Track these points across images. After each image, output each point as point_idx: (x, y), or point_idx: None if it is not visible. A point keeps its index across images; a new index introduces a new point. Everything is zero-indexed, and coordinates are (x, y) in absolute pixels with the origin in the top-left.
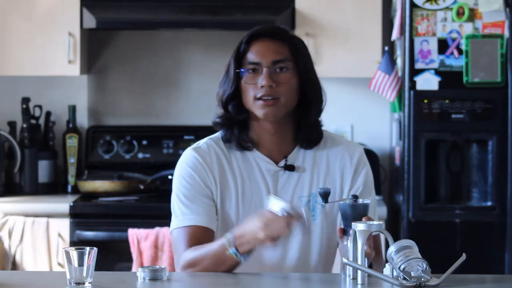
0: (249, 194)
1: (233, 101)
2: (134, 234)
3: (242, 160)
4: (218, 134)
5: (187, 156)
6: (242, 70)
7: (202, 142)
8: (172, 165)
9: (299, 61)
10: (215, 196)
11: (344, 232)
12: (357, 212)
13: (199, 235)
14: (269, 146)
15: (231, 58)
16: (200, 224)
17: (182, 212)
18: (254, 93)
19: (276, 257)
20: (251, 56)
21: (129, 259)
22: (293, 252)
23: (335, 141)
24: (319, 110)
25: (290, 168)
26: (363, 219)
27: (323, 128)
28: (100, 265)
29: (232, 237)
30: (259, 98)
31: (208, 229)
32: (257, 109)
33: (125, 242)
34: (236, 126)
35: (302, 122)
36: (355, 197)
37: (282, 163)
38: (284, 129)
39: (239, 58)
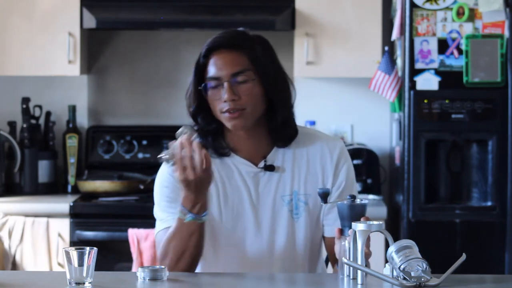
0: (231, 198)
1: (201, 113)
2: (134, 234)
3: (221, 166)
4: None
5: (162, 173)
6: (203, 85)
7: None
8: None
9: (259, 68)
10: None
11: (342, 232)
12: (354, 212)
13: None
14: (247, 149)
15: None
16: (171, 224)
17: (165, 215)
18: (219, 107)
19: (263, 255)
20: (211, 70)
21: (129, 259)
22: (279, 249)
23: (314, 137)
24: (287, 109)
25: (270, 168)
26: (362, 219)
27: (299, 124)
28: (100, 265)
29: (181, 207)
30: (225, 111)
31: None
32: (225, 121)
33: (125, 242)
34: (210, 134)
35: (273, 123)
36: (353, 197)
37: (261, 164)
38: (258, 132)
39: (200, 72)
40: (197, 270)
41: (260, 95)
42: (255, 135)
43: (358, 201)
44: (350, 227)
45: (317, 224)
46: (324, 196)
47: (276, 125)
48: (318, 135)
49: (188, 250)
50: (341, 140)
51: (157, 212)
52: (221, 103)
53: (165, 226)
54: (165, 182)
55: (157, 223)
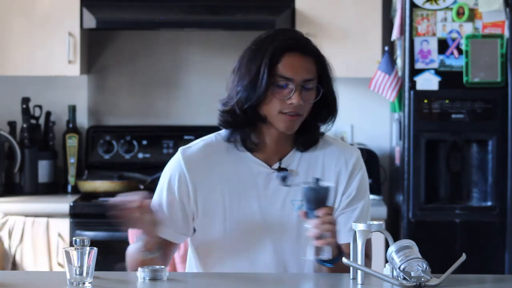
0: (237, 196)
1: (254, 107)
2: (134, 234)
3: (233, 163)
4: (211, 137)
5: (175, 160)
6: (275, 84)
7: (195, 143)
8: None
9: (323, 77)
10: (194, 203)
11: (306, 214)
12: (318, 194)
13: (161, 245)
14: (268, 149)
15: (254, 61)
16: (161, 236)
17: None
18: (280, 107)
19: (269, 258)
20: (283, 70)
21: None
22: (286, 254)
23: (332, 144)
24: (333, 121)
25: (282, 170)
26: (323, 209)
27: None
28: (100, 265)
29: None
30: (286, 113)
31: (166, 241)
32: (279, 122)
33: (125, 242)
34: (247, 126)
35: (309, 128)
36: (317, 180)
37: (276, 165)
38: (287, 134)
39: (271, 68)
40: (202, 270)
41: (313, 103)
42: (284, 136)
43: (321, 184)
44: (313, 210)
45: None
46: (283, 179)
47: (306, 130)
48: (336, 143)
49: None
50: (358, 149)
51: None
52: (283, 104)
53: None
54: (168, 180)
55: None
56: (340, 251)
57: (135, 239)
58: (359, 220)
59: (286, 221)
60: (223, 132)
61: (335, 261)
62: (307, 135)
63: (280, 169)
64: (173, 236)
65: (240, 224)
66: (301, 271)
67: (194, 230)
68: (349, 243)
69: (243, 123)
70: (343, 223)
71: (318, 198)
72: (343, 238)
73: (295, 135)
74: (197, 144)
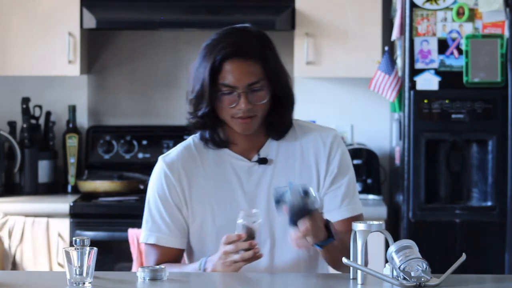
0: (223, 193)
1: (208, 113)
2: (134, 234)
3: (214, 161)
4: (189, 140)
5: (158, 168)
6: (219, 92)
7: (173, 149)
8: None
9: (271, 75)
10: (185, 206)
11: (289, 221)
12: (304, 208)
13: (166, 254)
14: (242, 143)
15: (200, 69)
16: (166, 245)
17: (150, 227)
18: (231, 112)
19: (263, 259)
20: (224, 79)
21: (129, 259)
22: (276, 242)
23: (307, 129)
24: (292, 106)
25: (263, 161)
26: (306, 223)
27: (295, 118)
28: (100, 265)
29: (203, 267)
30: (238, 117)
31: (174, 249)
32: (235, 126)
33: (125, 242)
34: (209, 128)
35: (274, 120)
36: (305, 192)
37: (255, 157)
38: (257, 128)
39: (214, 75)
40: None
41: (269, 100)
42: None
43: (309, 199)
44: (296, 220)
45: None
46: (277, 200)
47: (274, 120)
48: (311, 127)
49: None
50: (335, 129)
51: (146, 216)
52: (233, 109)
53: (147, 241)
54: (156, 189)
55: (142, 228)
56: (329, 234)
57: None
58: (346, 195)
59: (273, 209)
60: (188, 140)
61: (325, 244)
62: (276, 124)
63: (260, 160)
64: (182, 243)
65: (229, 220)
66: (294, 260)
67: None
68: (339, 220)
69: (203, 125)
70: (330, 202)
71: (302, 211)
72: (333, 217)
73: (265, 125)
74: (176, 149)
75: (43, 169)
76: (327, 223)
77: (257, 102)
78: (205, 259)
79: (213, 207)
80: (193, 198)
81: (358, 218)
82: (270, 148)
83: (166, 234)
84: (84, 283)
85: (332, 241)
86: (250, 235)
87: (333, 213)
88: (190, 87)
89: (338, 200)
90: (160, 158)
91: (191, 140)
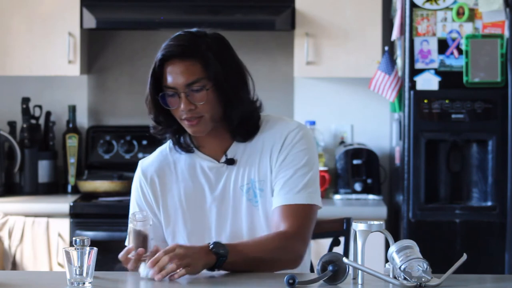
0: (193, 196)
1: (162, 116)
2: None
3: (186, 164)
4: (166, 144)
5: (136, 174)
6: (161, 95)
7: (151, 154)
8: None
9: (211, 74)
10: (158, 210)
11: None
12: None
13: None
14: (209, 146)
15: (149, 77)
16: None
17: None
18: (178, 114)
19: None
20: (165, 80)
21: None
22: (243, 239)
23: (273, 123)
24: (244, 106)
25: (230, 162)
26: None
27: (267, 114)
28: (100, 265)
29: None
30: (184, 119)
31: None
32: (186, 127)
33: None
34: (174, 133)
35: (230, 121)
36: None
37: (223, 159)
38: (218, 129)
39: (156, 79)
40: None
41: (216, 99)
42: (216, 133)
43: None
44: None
45: (270, 210)
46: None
47: (233, 123)
48: (278, 122)
49: None
50: (299, 122)
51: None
52: (179, 111)
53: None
54: (134, 194)
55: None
56: (217, 254)
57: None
58: (286, 184)
59: (238, 208)
60: (165, 144)
61: (218, 265)
62: (239, 127)
63: (227, 161)
64: (163, 245)
65: (199, 223)
66: None
67: None
68: (274, 209)
69: (163, 130)
70: (276, 188)
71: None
72: (272, 204)
73: (227, 126)
74: (153, 153)
75: (43, 169)
76: (213, 246)
77: (197, 102)
78: None
79: (184, 211)
80: (166, 203)
81: (299, 208)
82: (237, 148)
83: None
84: (84, 283)
85: (223, 261)
86: (144, 240)
87: (273, 201)
88: (146, 91)
89: (278, 188)
90: (139, 163)
91: (168, 144)
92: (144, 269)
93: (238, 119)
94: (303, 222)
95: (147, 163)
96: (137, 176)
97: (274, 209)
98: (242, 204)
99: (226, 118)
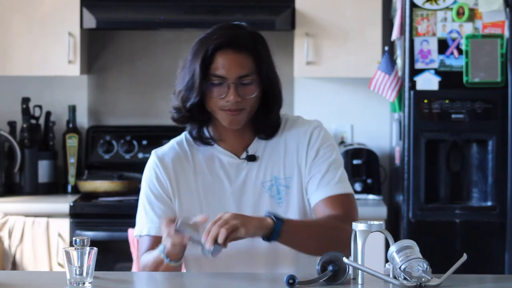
0: (212, 189)
1: (196, 105)
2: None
3: (204, 157)
4: (182, 135)
5: (149, 162)
6: (209, 82)
7: (167, 144)
8: None
9: (262, 71)
10: (174, 200)
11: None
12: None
13: (156, 244)
14: (230, 140)
15: (193, 61)
16: (157, 234)
17: (143, 220)
18: (220, 104)
19: (246, 244)
20: (216, 69)
21: (129, 259)
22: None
23: (293, 123)
24: (279, 109)
25: (251, 158)
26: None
27: (284, 113)
28: (100, 265)
29: (163, 248)
30: (226, 109)
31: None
32: (222, 118)
33: (125, 242)
34: (199, 123)
35: (262, 118)
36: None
37: (243, 155)
38: (245, 124)
39: (206, 66)
40: (189, 263)
41: (259, 96)
42: (242, 127)
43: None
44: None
45: (304, 205)
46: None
47: (261, 120)
48: (296, 121)
49: (157, 271)
50: (318, 121)
51: (140, 209)
52: (222, 101)
53: (140, 233)
54: (148, 182)
55: (137, 223)
56: (275, 220)
57: (153, 248)
58: (323, 178)
59: (259, 204)
60: (181, 136)
61: (275, 234)
62: (262, 125)
63: (248, 158)
64: None
65: (216, 213)
66: (279, 254)
67: None
68: (317, 203)
69: (189, 120)
70: (310, 187)
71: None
72: (311, 201)
73: (252, 124)
74: (169, 144)
75: (43, 169)
76: (270, 214)
77: (246, 95)
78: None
79: (201, 202)
80: (181, 193)
81: (341, 197)
82: (258, 145)
83: (157, 223)
84: (84, 283)
85: (281, 226)
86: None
87: (312, 196)
88: (180, 79)
89: (316, 182)
90: (153, 152)
91: (183, 135)
92: (202, 249)
93: (274, 116)
94: (351, 208)
95: (162, 152)
96: (152, 164)
97: (317, 203)
98: (264, 201)
99: (265, 115)
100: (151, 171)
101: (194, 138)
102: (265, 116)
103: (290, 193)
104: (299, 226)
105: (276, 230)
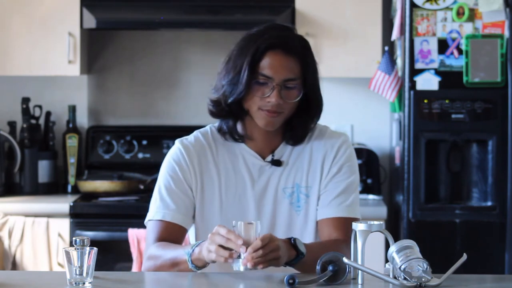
0: (233, 186)
1: (237, 101)
2: (134, 234)
3: (228, 153)
4: (207, 128)
5: (173, 149)
6: (254, 80)
7: (191, 134)
8: None
9: (308, 77)
10: (195, 191)
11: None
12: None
13: (169, 230)
14: (258, 140)
15: (240, 57)
16: (171, 221)
17: (157, 205)
18: (260, 103)
19: None
20: (264, 68)
21: (129, 259)
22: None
23: (321, 133)
24: (318, 118)
25: (276, 163)
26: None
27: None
28: (100, 265)
29: (190, 252)
30: (265, 110)
31: (178, 226)
32: (259, 118)
33: (125, 242)
34: (231, 118)
35: (296, 124)
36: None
37: (269, 158)
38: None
39: (253, 65)
40: None
41: (298, 101)
42: (268, 131)
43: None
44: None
45: (315, 217)
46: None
47: (296, 126)
48: (326, 132)
49: (169, 270)
50: (346, 135)
51: (155, 192)
52: (263, 101)
53: (153, 218)
54: (169, 169)
55: (150, 206)
56: (297, 252)
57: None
58: (339, 196)
59: (278, 209)
60: (206, 128)
61: (295, 262)
62: (294, 131)
63: (273, 162)
64: (186, 223)
65: (235, 214)
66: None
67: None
68: (325, 219)
69: (227, 114)
70: (323, 199)
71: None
72: (320, 214)
73: (283, 128)
74: (194, 134)
75: (43, 169)
76: (294, 241)
77: (288, 99)
78: (198, 243)
79: (221, 198)
80: (203, 185)
81: (348, 221)
82: (284, 150)
83: (172, 211)
84: (84, 283)
85: (301, 259)
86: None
87: (321, 211)
88: (223, 73)
89: (329, 198)
90: (177, 141)
91: (209, 128)
92: (236, 262)
93: (312, 124)
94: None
95: (188, 142)
96: (176, 151)
97: (323, 220)
98: (283, 206)
99: (302, 122)
100: (175, 158)
101: (224, 133)
102: (302, 123)
103: (309, 202)
104: (311, 253)
105: (295, 262)
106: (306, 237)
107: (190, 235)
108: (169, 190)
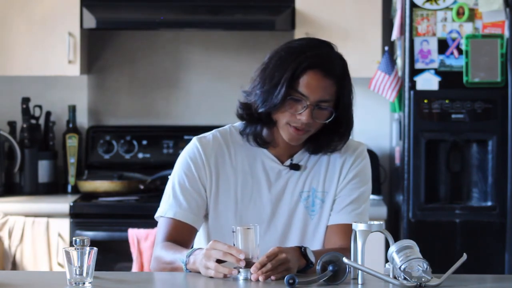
0: (250, 188)
1: (267, 112)
2: (134, 234)
3: (247, 155)
4: (226, 127)
5: (190, 146)
6: (290, 97)
7: (209, 133)
8: (172, 165)
9: (342, 99)
10: (209, 190)
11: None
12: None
13: (179, 230)
14: (279, 145)
15: (279, 69)
16: (183, 220)
17: (170, 203)
18: (289, 119)
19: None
20: (301, 86)
21: (129, 259)
22: (290, 245)
23: None
24: (347, 140)
25: (295, 167)
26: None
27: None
28: (100, 265)
29: (185, 260)
30: (293, 126)
31: (189, 225)
32: (285, 132)
33: (125, 242)
34: (259, 124)
35: (321, 138)
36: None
37: (287, 162)
38: None
39: (291, 81)
40: None
41: (328, 122)
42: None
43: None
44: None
45: (327, 221)
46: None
47: (318, 139)
48: None
49: (171, 271)
50: (364, 144)
51: (167, 187)
52: (293, 117)
53: (163, 215)
54: (184, 166)
55: (161, 202)
56: (307, 261)
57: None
58: (351, 203)
59: (294, 213)
60: (238, 124)
61: (304, 271)
62: (317, 143)
63: (292, 166)
64: (197, 222)
65: (250, 217)
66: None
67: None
68: (335, 224)
69: (256, 121)
70: (336, 205)
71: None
72: (331, 219)
73: (307, 139)
74: (212, 133)
75: (43, 169)
76: (305, 250)
77: (319, 119)
78: (192, 251)
79: (237, 200)
80: (219, 185)
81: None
82: (303, 156)
83: (184, 210)
84: (84, 283)
85: (310, 268)
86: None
87: (333, 216)
88: (259, 80)
89: (342, 204)
90: (195, 138)
91: (228, 128)
92: (243, 272)
93: (340, 145)
94: None
95: (206, 140)
96: (193, 149)
97: (332, 225)
98: (299, 210)
99: (328, 139)
100: (191, 155)
101: (248, 136)
102: (328, 140)
103: (324, 207)
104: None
105: (304, 271)
106: (317, 241)
107: (199, 234)
108: (183, 188)
